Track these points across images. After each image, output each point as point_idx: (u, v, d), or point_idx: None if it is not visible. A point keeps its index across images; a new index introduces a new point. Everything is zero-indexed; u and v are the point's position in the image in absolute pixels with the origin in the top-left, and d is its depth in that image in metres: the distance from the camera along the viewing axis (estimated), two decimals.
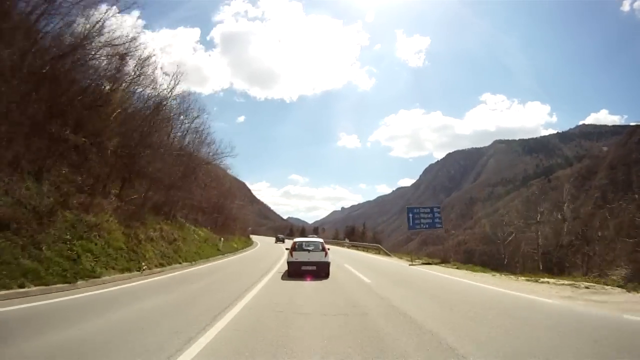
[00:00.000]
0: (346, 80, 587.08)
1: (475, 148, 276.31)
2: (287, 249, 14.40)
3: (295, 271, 12.70)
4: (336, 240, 68.54)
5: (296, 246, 13.55)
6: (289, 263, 13.16)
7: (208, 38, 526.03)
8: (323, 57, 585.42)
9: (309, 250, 13.31)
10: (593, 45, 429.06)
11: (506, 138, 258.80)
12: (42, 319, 5.82)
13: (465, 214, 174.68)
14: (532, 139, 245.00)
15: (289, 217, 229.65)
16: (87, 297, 7.80)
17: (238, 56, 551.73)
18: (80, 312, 6.41)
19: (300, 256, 13.03)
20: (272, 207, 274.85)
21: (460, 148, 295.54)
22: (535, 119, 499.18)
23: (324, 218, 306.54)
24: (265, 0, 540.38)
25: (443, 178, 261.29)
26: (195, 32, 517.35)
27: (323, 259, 12.92)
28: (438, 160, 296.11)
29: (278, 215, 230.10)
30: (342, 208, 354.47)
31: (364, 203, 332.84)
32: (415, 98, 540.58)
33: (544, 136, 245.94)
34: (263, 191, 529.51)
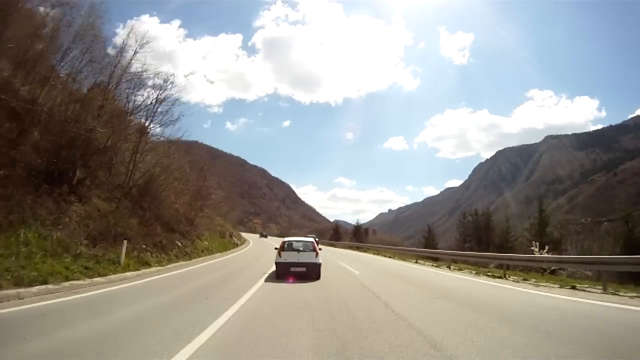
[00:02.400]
0: (391, 81, 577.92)
1: (527, 145, 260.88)
2: (276, 248, 13.12)
3: (283, 272, 11.65)
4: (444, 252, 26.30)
5: (285, 246, 12.41)
6: (277, 264, 12.04)
7: (250, 44, 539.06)
8: (366, 58, 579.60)
9: (298, 251, 12.24)
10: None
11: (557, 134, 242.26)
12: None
13: (521, 213, 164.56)
14: (586, 132, 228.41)
15: (335, 220, 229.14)
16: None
17: (281, 61, 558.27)
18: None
19: (289, 257, 11.91)
20: (319, 210, 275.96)
21: (504, 148, 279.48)
22: (584, 114, 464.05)
23: (371, 220, 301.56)
24: (305, 3, 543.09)
25: (494, 177, 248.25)
26: (237, 38, 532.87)
27: (313, 260, 11.85)
28: (488, 159, 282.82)
29: (324, 218, 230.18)
30: (389, 210, 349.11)
31: (411, 205, 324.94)
32: (461, 97, 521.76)
33: (598, 129, 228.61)
34: (309, 195, 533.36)
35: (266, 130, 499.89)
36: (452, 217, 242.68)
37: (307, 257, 11.94)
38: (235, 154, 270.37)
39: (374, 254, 33.65)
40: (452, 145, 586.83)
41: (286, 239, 14.24)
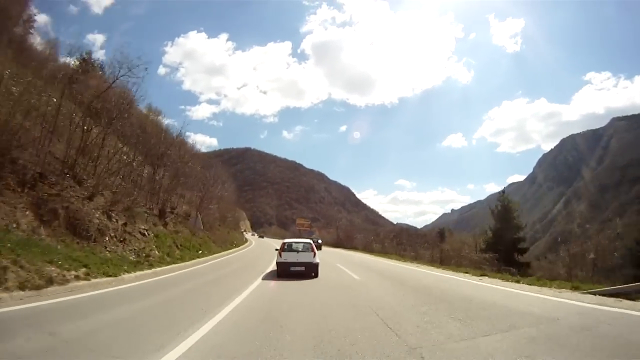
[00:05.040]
0: (445, 76, 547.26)
1: (591, 130, 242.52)
2: (276, 249, 13.58)
3: (283, 271, 12.28)
4: None
5: (285, 247, 12.96)
6: (277, 264, 12.63)
7: (299, 50, 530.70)
8: (418, 54, 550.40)
9: (298, 251, 12.84)
10: None
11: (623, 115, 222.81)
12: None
13: (597, 204, 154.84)
14: None
15: (397, 223, 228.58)
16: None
17: (332, 65, 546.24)
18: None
19: (289, 257, 12.50)
20: (381, 214, 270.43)
21: (569, 136, 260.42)
22: None
23: (435, 221, 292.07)
24: (350, 4, 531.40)
25: (561, 167, 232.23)
26: (286, 45, 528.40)
27: (312, 260, 12.42)
28: (552, 149, 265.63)
29: (388, 221, 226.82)
30: (452, 210, 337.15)
31: (474, 203, 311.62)
32: (517, 86, 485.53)
33: None
34: (370, 199, 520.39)
35: (323, 137, 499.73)
36: (521, 214, 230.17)
37: (305, 257, 12.52)
38: (291, 158, 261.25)
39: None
40: (511, 139, 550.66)
41: (286, 240, 14.77)
